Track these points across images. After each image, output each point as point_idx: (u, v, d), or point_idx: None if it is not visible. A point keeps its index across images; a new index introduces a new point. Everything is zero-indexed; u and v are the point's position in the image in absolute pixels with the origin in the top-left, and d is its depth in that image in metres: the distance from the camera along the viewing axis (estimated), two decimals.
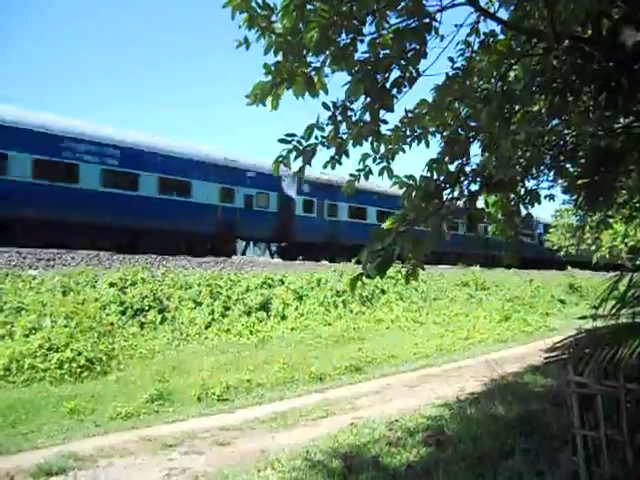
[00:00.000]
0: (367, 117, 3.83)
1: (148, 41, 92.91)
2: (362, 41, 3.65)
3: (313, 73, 3.56)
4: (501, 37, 4.61)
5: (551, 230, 30.79)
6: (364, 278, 3.54)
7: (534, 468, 4.57)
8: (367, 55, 3.72)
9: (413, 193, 3.92)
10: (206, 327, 13.05)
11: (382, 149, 4.30)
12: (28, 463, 5.70)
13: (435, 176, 4.18)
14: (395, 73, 3.87)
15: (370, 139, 4.06)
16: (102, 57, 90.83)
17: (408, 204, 3.93)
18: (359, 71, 3.64)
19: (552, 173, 6.03)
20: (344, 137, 3.94)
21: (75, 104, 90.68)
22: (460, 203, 4.43)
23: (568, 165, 5.96)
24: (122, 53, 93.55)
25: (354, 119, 3.92)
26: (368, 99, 3.80)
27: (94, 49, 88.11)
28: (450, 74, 4.38)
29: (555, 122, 5.70)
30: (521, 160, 5.03)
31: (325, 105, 3.87)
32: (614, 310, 4.86)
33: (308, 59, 3.58)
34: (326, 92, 3.76)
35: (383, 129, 4.10)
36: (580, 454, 4.19)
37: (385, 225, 3.75)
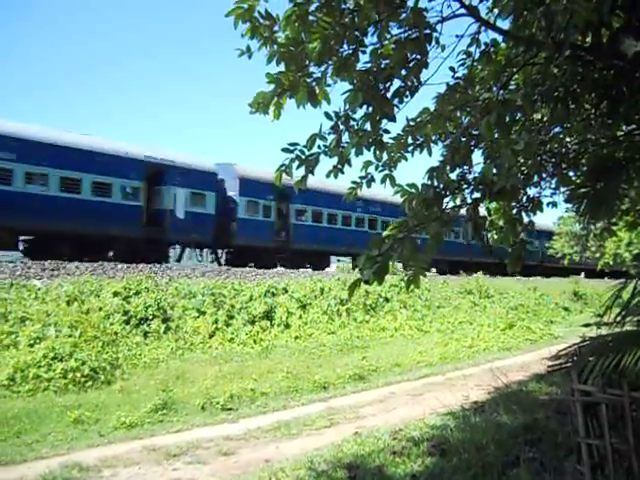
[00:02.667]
0: (368, 126, 3.86)
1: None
2: (364, 52, 3.68)
3: (315, 83, 3.60)
4: (502, 47, 4.64)
5: (555, 237, 30.71)
6: (363, 285, 3.56)
7: (539, 477, 4.54)
8: (369, 65, 3.76)
9: (414, 201, 3.94)
10: (210, 336, 13.03)
11: (384, 157, 4.32)
12: (33, 473, 5.70)
13: (436, 184, 4.19)
14: (397, 83, 3.91)
15: (372, 147, 4.09)
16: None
17: (409, 211, 3.95)
18: (360, 81, 3.68)
19: (554, 181, 6.03)
20: (346, 146, 3.97)
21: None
22: (463, 211, 4.43)
23: (570, 173, 5.97)
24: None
25: (356, 128, 3.95)
26: (370, 108, 3.84)
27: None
28: (451, 83, 4.41)
29: (557, 130, 5.71)
30: (523, 168, 5.04)
31: (327, 115, 3.90)
32: (618, 318, 4.85)
33: (310, 69, 3.62)
34: (328, 102, 3.79)
35: (385, 138, 4.13)
36: (585, 463, 4.16)
37: (385, 232, 3.77)
